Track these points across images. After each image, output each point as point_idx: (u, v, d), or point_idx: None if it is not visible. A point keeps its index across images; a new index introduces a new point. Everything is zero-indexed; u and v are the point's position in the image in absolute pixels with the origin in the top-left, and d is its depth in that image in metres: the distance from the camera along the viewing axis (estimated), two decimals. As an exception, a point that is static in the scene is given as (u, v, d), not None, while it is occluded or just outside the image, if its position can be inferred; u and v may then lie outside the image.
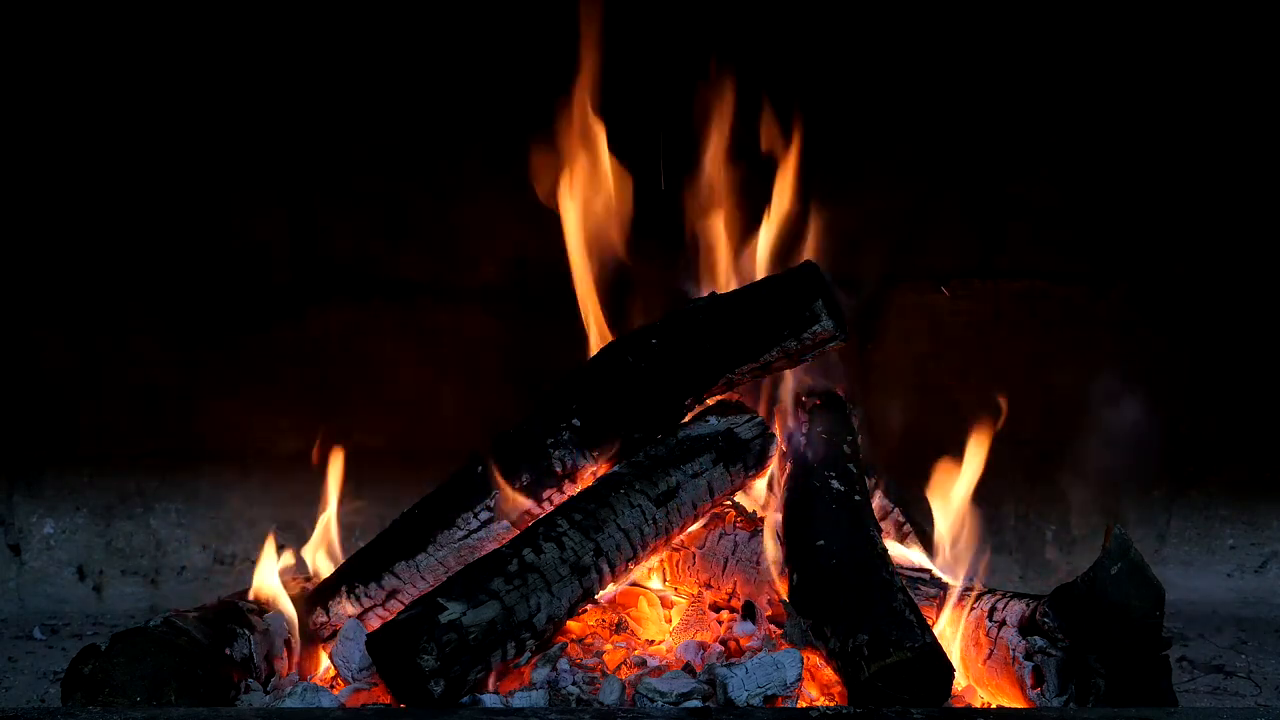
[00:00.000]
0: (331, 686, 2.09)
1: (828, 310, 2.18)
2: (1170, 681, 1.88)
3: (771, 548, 2.17)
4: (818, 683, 1.98)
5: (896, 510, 2.46)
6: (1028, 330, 3.16)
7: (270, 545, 2.24)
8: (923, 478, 2.45)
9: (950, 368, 3.17)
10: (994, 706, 1.97)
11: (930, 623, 1.95)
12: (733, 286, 2.43)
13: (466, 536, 2.19)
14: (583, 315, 2.52)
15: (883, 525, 2.27)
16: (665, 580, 2.35)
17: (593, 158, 2.55)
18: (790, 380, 2.43)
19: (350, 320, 3.14)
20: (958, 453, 2.40)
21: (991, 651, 1.99)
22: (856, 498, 2.20)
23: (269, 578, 2.20)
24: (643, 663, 2.07)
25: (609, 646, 2.12)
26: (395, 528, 2.27)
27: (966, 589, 2.14)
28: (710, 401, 2.31)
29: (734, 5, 2.93)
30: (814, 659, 1.97)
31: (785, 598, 2.08)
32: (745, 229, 2.53)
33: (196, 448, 3.15)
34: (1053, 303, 3.17)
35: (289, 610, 2.16)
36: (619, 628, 2.20)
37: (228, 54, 3.04)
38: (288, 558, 2.29)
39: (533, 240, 3.07)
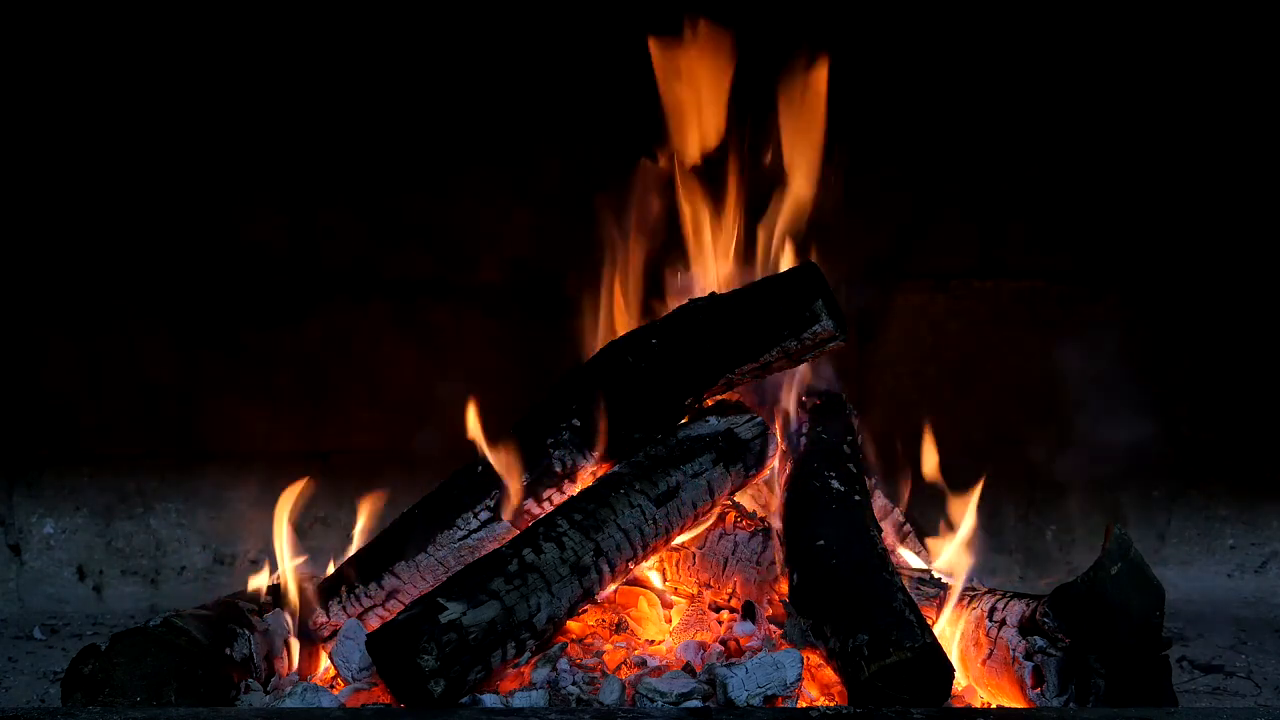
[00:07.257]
0: (331, 686, 2.09)
1: (828, 310, 2.18)
2: (1170, 681, 1.88)
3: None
4: (818, 683, 1.98)
5: (896, 510, 2.46)
6: (1028, 330, 3.16)
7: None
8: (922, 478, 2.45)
9: (950, 368, 3.17)
10: (994, 706, 1.97)
11: (930, 623, 1.95)
12: (733, 287, 2.43)
13: (466, 536, 2.19)
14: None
15: (883, 525, 2.27)
16: (665, 580, 2.35)
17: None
18: (790, 380, 2.43)
19: (350, 320, 3.14)
20: (957, 453, 2.40)
21: (991, 651, 1.99)
22: (856, 498, 2.20)
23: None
24: (643, 663, 2.07)
25: (609, 646, 2.12)
26: (395, 528, 2.27)
27: (966, 589, 2.14)
28: (710, 401, 2.31)
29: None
30: (814, 659, 1.97)
31: (785, 597, 2.08)
32: (745, 229, 2.53)
33: (196, 448, 3.15)
34: (1053, 303, 3.17)
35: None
36: (619, 628, 2.20)
37: (230, 56, 3.04)
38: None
39: (532, 241, 3.08)
